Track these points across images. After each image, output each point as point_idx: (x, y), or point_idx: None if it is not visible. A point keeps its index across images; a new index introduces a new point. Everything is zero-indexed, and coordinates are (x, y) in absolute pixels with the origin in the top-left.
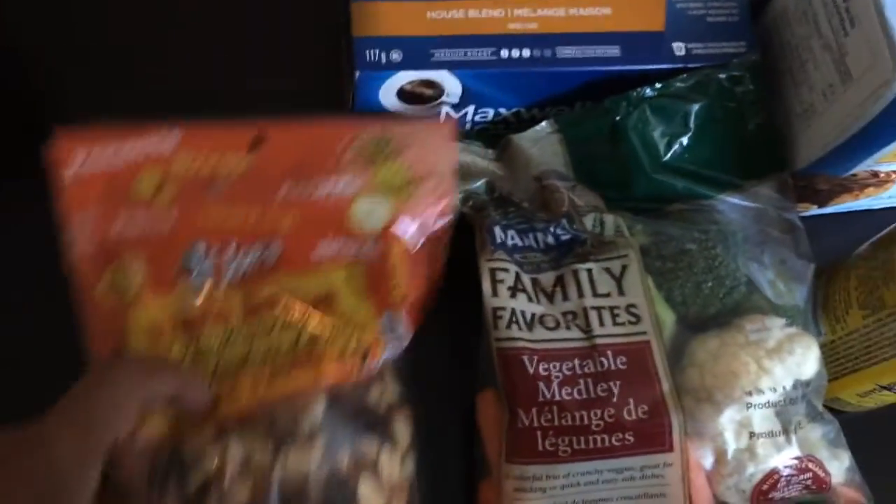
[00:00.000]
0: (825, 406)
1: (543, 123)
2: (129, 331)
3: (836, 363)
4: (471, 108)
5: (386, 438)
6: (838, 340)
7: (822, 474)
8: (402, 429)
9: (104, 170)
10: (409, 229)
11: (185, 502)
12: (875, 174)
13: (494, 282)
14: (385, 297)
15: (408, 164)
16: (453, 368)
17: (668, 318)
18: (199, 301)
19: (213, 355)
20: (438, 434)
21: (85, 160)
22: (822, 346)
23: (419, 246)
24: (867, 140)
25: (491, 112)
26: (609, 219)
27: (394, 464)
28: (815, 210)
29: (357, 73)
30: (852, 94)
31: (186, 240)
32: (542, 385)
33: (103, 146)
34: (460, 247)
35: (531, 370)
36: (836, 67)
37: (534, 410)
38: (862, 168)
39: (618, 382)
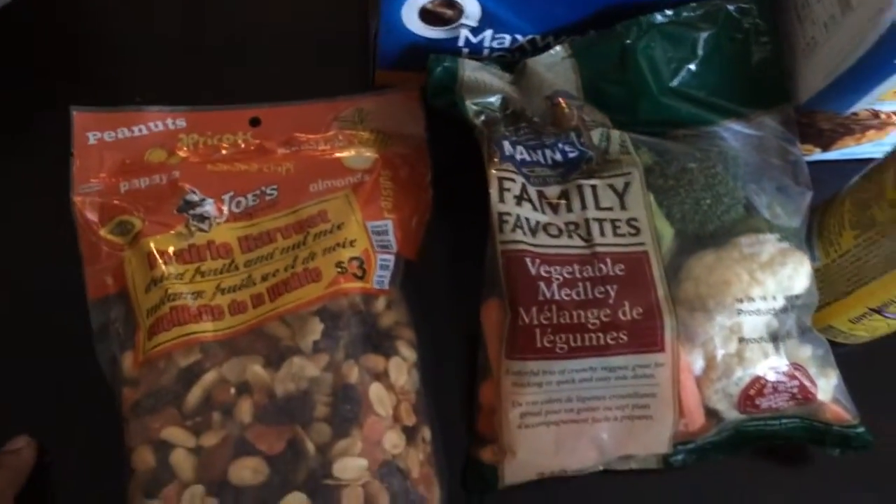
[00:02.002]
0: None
1: (558, 48)
2: (126, 261)
3: (829, 288)
4: (488, 33)
5: (392, 354)
6: (832, 264)
7: (808, 384)
8: (407, 348)
9: (118, 144)
10: (395, 162)
11: (184, 418)
12: (876, 114)
13: (501, 189)
14: (373, 211)
15: (381, 127)
16: (458, 278)
17: (667, 232)
18: (194, 237)
19: (214, 278)
20: (443, 341)
21: (103, 133)
22: (816, 272)
23: (404, 174)
24: (866, 71)
25: (508, 38)
26: (615, 134)
27: (401, 373)
28: (818, 154)
29: None
30: (851, 24)
31: (183, 191)
32: (542, 285)
33: (121, 125)
34: (470, 164)
35: (533, 271)
36: None
37: (534, 309)
38: (863, 106)
39: (615, 286)
